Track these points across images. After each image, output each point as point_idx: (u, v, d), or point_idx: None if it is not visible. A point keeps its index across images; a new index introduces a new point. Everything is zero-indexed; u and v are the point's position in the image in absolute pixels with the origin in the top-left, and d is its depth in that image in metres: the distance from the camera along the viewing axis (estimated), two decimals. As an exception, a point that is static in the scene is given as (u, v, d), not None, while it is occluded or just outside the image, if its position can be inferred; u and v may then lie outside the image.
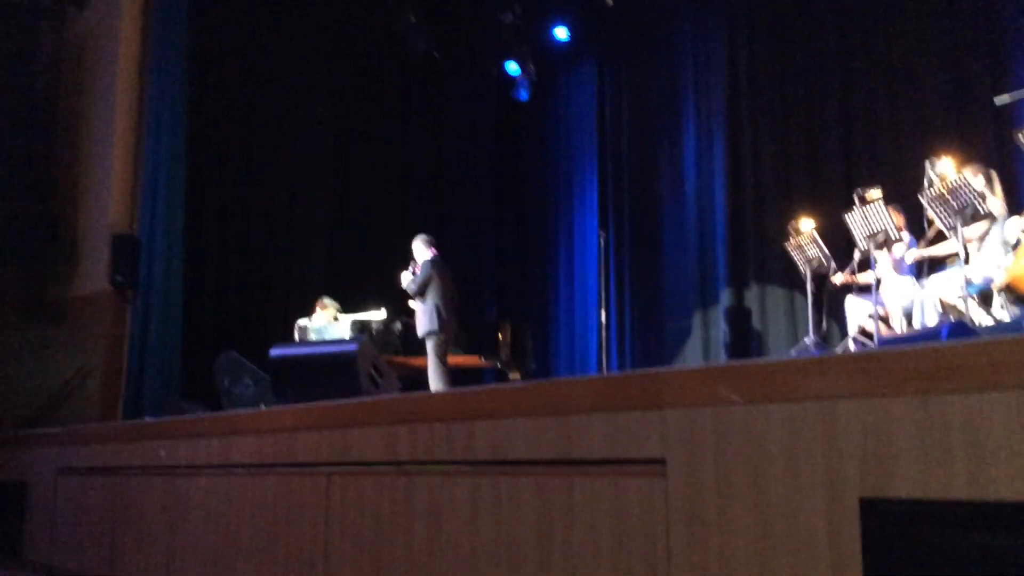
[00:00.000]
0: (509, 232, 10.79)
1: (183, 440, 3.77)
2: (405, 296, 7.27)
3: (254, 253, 9.19)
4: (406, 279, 6.93)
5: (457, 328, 7.16)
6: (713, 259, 8.39)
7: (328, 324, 7.71)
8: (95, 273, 7.66)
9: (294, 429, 3.12)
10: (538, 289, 10.32)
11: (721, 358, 8.07)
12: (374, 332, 7.78)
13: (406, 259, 7.24)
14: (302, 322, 7.84)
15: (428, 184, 10.78)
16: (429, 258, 7.00)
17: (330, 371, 5.07)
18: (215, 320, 8.79)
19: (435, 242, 7.18)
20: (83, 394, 7.53)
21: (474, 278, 10.49)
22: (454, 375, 7.08)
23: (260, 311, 9.14)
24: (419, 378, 7.22)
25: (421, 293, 6.83)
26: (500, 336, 7.96)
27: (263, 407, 6.62)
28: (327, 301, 7.95)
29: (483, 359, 7.96)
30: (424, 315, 6.86)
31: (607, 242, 8.86)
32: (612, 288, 9.16)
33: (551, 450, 2.10)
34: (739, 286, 8.12)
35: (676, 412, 1.85)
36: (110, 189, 7.58)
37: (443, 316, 6.86)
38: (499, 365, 8.06)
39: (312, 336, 7.46)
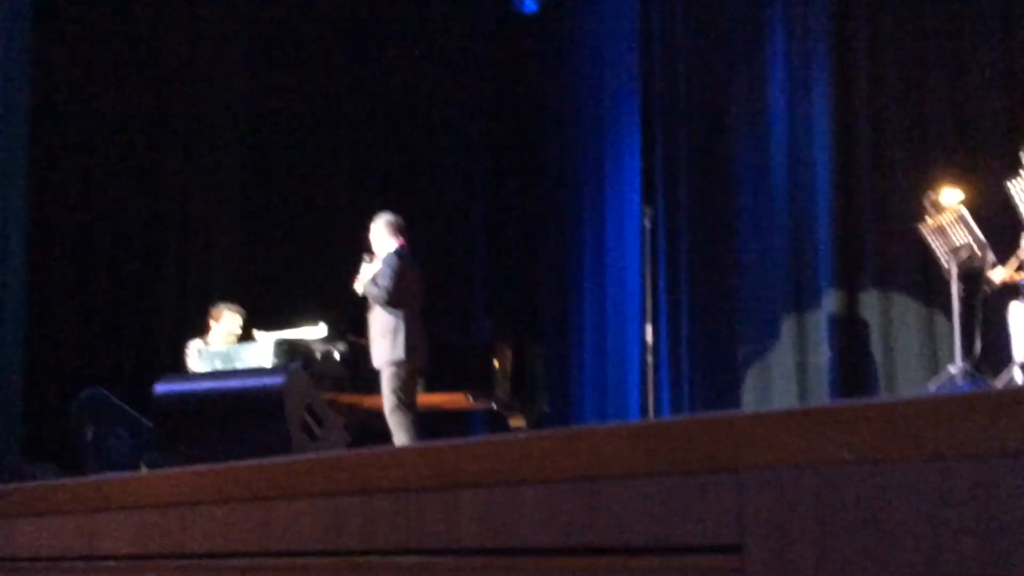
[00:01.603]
0: (510, 213, 10.83)
1: (25, 520, 3.77)
2: (359, 306, 7.28)
3: (129, 255, 9.26)
4: (364, 280, 6.95)
5: (427, 354, 7.19)
6: (812, 249, 8.41)
7: (236, 345, 7.72)
8: None
9: (190, 503, 3.11)
10: (553, 295, 10.35)
11: (824, 396, 8.06)
12: (311, 358, 7.78)
13: (357, 253, 7.26)
14: (197, 345, 7.85)
15: (389, 145, 10.84)
16: (395, 249, 7.03)
17: (244, 416, 5.07)
18: (73, 346, 8.83)
19: (405, 227, 7.21)
20: None
21: (458, 280, 10.53)
22: (428, 421, 7.09)
23: (139, 332, 9.19)
24: (377, 426, 7.22)
25: (393, 301, 6.85)
26: (496, 364, 7.96)
27: (144, 469, 6.63)
28: (225, 308, 7.97)
29: (471, 398, 7.96)
30: (386, 334, 6.89)
31: (655, 224, 8.88)
32: (662, 292, 9.17)
33: (571, 534, 2.09)
34: (851, 289, 8.14)
35: (758, 477, 1.84)
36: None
37: (413, 336, 6.88)
38: (495, 407, 8.06)
39: (216, 365, 7.45)
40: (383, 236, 7.13)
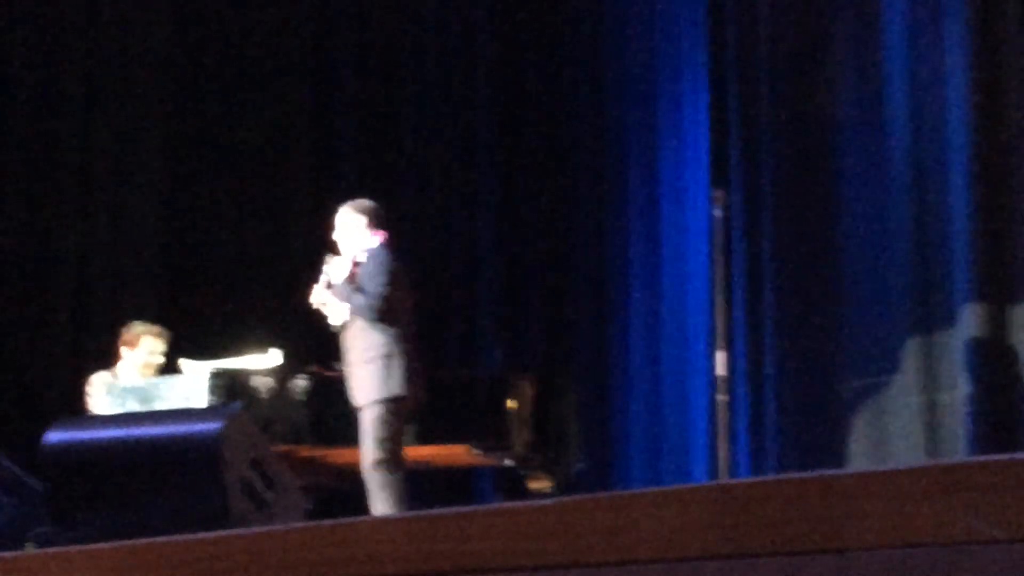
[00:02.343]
0: (529, 206, 10.82)
1: None
2: (323, 326, 7.29)
3: (12, 251, 9.29)
4: (331, 287, 6.97)
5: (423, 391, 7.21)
6: (944, 250, 8.39)
7: (157, 379, 7.74)
8: None
9: (91, 595, 3.11)
10: (588, 314, 10.34)
11: (960, 447, 8.04)
12: (258, 396, 7.80)
13: (319, 253, 7.27)
14: (104, 379, 7.89)
15: (366, 114, 10.86)
16: (379, 244, 7.06)
17: (167, 475, 5.07)
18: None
19: (384, 217, 7.23)
20: None
21: (459, 294, 10.54)
22: (418, 483, 7.09)
23: (22, 363, 9.19)
24: (348, 488, 7.23)
25: (386, 314, 6.88)
26: (510, 405, 7.96)
27: (30, 547, 6.66)
28: (139, 327, 8.00)
29: (476, 451, 7.97)
30: (374, 361, 6.92)
31: (728, 215, 8.87)
32: (738, 308, 9.16)
33: (614, 638, 2.08)
34: (997, 304, 8.12)
35: (871, 561, 1.83)
36: None
37: (410, 364, 6.91)
38: (509, 463, 8.07)
39: (130, 405, 7.48)
40: (357, 227, 7.13)
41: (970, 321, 8.15)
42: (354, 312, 6.97)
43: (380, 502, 6.81)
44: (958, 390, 8.18)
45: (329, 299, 7.07)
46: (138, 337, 7.98)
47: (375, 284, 6.93)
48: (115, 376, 7.90)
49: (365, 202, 7.25)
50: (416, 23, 11.03)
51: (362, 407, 6.95)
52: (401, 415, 6.94)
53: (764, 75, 9.42)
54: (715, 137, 9.55)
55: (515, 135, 10.96)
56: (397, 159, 10.77)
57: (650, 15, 10.26)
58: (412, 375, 6.96)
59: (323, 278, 7.10)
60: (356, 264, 7.14)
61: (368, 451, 6.89)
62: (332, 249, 7.19)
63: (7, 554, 3.91)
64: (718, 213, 8.13)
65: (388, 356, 6.92)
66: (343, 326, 7.07)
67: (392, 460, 6.86)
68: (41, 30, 9.73)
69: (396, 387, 6.89)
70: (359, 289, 6.96)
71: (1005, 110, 8.26)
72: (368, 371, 6.94)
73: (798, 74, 9.25)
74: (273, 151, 10.55)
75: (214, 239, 10.28)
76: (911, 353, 8.45)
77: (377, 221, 7.18)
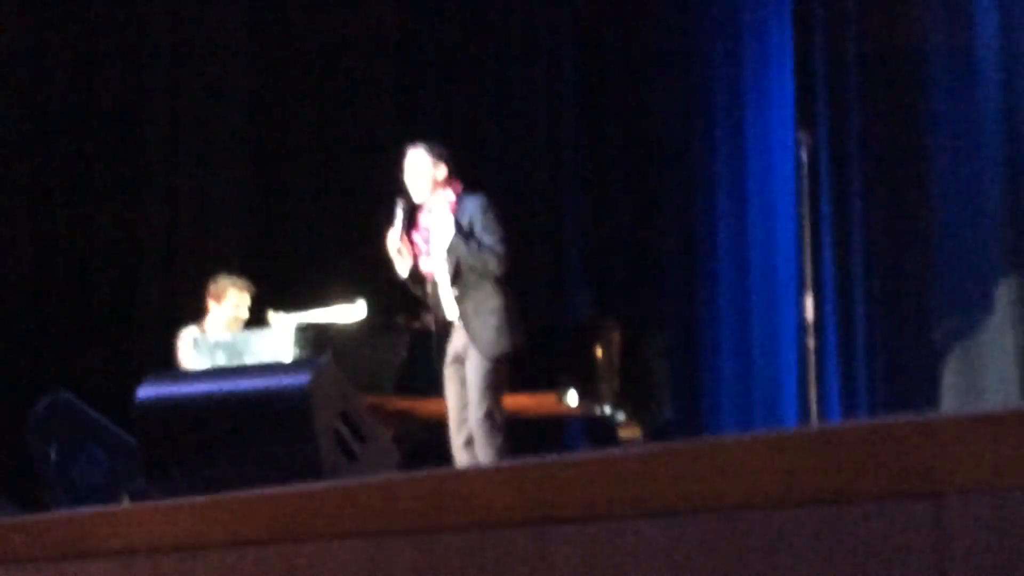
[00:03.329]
0: (613, 149, 10.80)
1: (-30, 571, 3.87)
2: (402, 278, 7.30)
3: (97, 217, 9.39)
4: (453, 242, 6.92)
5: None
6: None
7: (245, 333, 7.81)
8: None
9: (189, 546, 3.18)
10: (675, 259, 10.32)
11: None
12: (346, 348, 7.85)
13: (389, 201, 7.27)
14: (192, 333, 7.97)
15: (447, 62, 10.87)
16: (480, 196, 7.03)
17: (258, 428, 5.13)
18: (29, 339, 8.97)
19: (452, 162, 7.19)
20: None
21: (544, 241, 10.54)
22: (509, 432, 7.12)
23: (115, 318, 9.32)
24: (440, 441, 7.28)
25: (501, 270, 6.91)
26: (599, 354, 7.97)
27: (126, 501, 6.76)
28: (224, 280, 8.06)
29: (565, 400, 7.99)
30: (493, 314, 6.91)
31: (814, 157, 8.81)
32: (826, 250, 9.12)
33: (708, 584, 2.09)
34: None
35: (965, 504, 1.83)
36: None
37: (515, 318, 6.96)
38: (598, 412, 8.08)
39: (219, 359, 7.56)
40: (435, 176, 7.09)
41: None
42: (478, 265, 6.93)
43: (485, 451, 6.84)
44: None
45: (432, 250, 6.99)
46: (224, 290, 8.05)
47: (496, 237, 6.92)
48: (203, 330, 7.98)
49: (439, 146, 7.17)
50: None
51: (472, 357, 6.93)
52: (510, 367, 6.98)
53: (850, 14, 9.34)
54: (800, 78, 9.49)
55: (600, 85, 10.94)
56: (482, 110, 10.78)
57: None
58: (520, 326, 7.01)
59: (397, 223, 7.05)
60: (429, 213, 7.09)
61: (477, 401, 6.88)
62: (403, 194, 7.11)
63: (104, 508, 3.98)
64: (804, 156, 8.08)
65: (506, 309, 6.93)
66: (446, 278, 7.00)
67: (499, 409, 6.89)
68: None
69: (514, 341, 6.92)
70: (486, 241, 6.92)
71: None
72: (486, 324, 6.92)
73: (885, 13, 9.16)
74: (357, 112, 10.58)
75: (299, 189, 10.35)
76: (1005, 293, 8.39)
77: (452, 167, 7.12)
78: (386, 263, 7.54)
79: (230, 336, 7.79)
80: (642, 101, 10.70)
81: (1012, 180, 8.45)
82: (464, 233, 6.94)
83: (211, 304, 8.07)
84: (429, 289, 7.09)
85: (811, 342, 7.89)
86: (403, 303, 8.11)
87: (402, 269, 7.06)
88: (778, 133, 9.70)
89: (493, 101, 10.89)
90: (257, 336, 7.67)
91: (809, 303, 7.93)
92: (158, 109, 9.89)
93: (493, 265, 6.93)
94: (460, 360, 6.97)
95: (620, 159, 10.81)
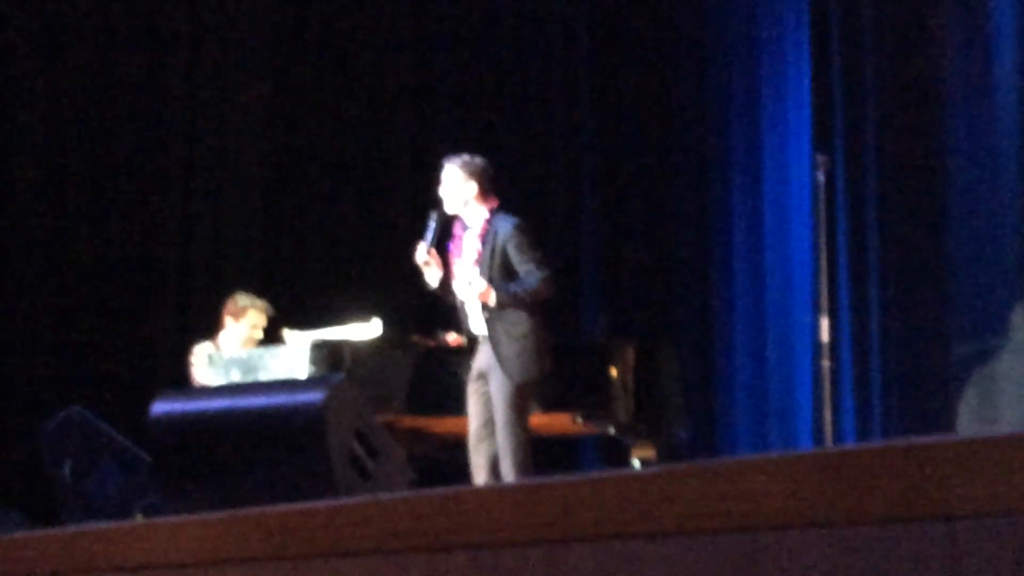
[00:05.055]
0: (630, 171, 10.81)
1: (-17, 585, 3.87)
2: (417, 296, 7.29)
3: (114, 233, 9.41)
4: (495, 282, 6.88)
5: None
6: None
7: (260, 349, 7.81)
8: None
9: (202, 563, 3.18)
10: (690, 280, 10.32)
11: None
12: (361, 366, 7.85)
13: (421, 217, 7.26)
14: (207, 349, 7.97)
15: (464, 79, 10.88)
16: (516, 221, 6.98)
17: (272, 445, 5.14)
18: (43, 353, 8.98)
19: (495, 176, 7.13)
20: None
21: (560, 262, 10.54)
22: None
23: (130, 334, 9.33)
24: (452, 460, 7.27)
25: (549, 294, 6.92)
26: (614, 374, 7.97)
27: (139, 517, 6.75)
28: (243, 300, 8.06)
29: (580, 420, 7.99)
30: (523, 338, 6.87)
31: (831, 179, 8.81)
32: (842, 272, 9.12)
33: (720, 605, 2.10)
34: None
35: (980, 526, 1.83)
36: None
37: (545, 343, 6.95)
38: (613, 432, 8.08)
39: (233, 375, 7.56)
40: (469, 190, 7.04)
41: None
42: (525, 303, 6.89)
43: (511, 472, 6.81)
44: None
45: (473, 274, 6.92)
46: (244, 310, 8.04)
47: (535, 263, 6.86)
48: (217, 346, 7.99)
49: (477, 161, 7.04)
50: (518, 7, 11.08)
51: (499, 379, 6.88)
52: (532, 388, 6.97)
53: (868, 37, 9.35)
54: (818, 101, 9.49)
55: (617, 105, 10.95)
56: (498, 127, 10.78)
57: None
58: (548, 351, 7.00)
59: (428, 236, 7.01)
60: (465, 229, 7.05)
61: (504, 424, 6.81)
62: (437, 206, 7.06)
63: (118, 524, 3.99)
64: (821, 178, 8.08)
65: (537, 333, 6.90)
66: (476, 299, 6.93)
67: (526, 431, 6.86)
68: (144, 14, 9.85)
69: (542, 366, 6.90)
70: (530, 270, 6.88)
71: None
72: (517, 348, 6.88)
73: (903, 36, 9.16)
74: (372, 126, 10.59)
75: (315, 209, 10.36)
76: (1021, 318, 8.37)
77: (488, 184, 7.02)
78: (402, 280, 7.55)
79: (245, 353, 7.79)
80: (659, 124, 10.71)
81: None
82: (496, 264, 6.87)
83: (228, 320, 8.06)
84: (458, 302, 7.05)
85: (826, 364, 7.88)
86: (418, 322, 8.11)
87: (432, 280, 6.99)
88: (795, 155, 9.69)
89: (510, 122, 10.90)
90: (272, 353, 7.67)
91: (824, 325, 7.92)
92: (175, 129, 9.90)
93: (543, 295, 6.91)
94: (484, 377, 6.92)
95: (637, 180, 10.82)
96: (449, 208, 7.02)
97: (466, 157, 7.06)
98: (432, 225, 7.00)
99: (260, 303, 8.10)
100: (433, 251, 6.98)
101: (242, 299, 8.10)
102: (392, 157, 10.50)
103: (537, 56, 11.09)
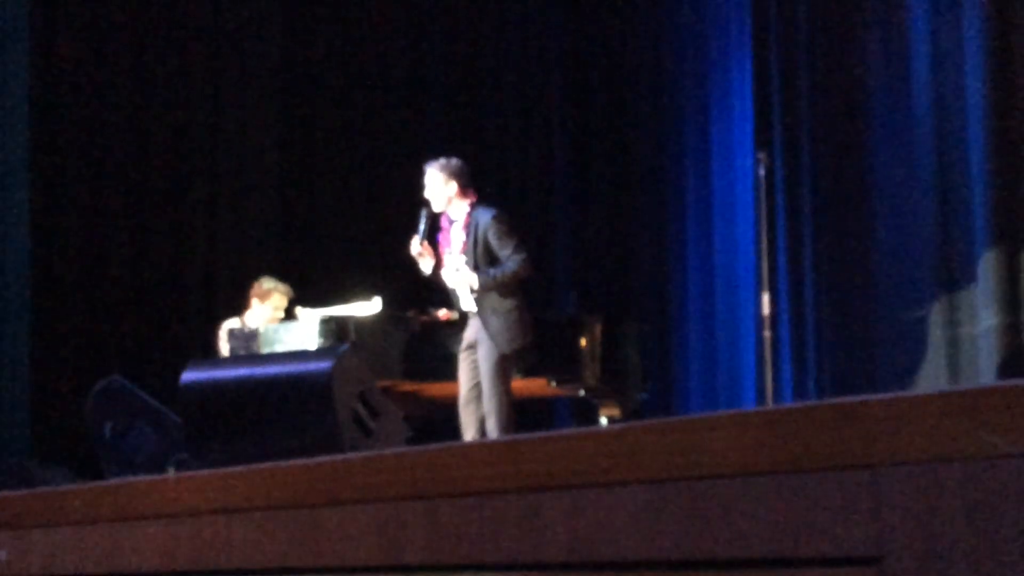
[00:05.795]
0: (595, 163, 10.80)
1: (36, 531, 3.86)
2: (419, 276, 7.27)
3: (148, 223, 9.40)
4: (481, 272, 6.83)
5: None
6: (965, 196, 8.29)
7: (276, 325, 7.81)
8: None
9: (226, 510, 3.17)
10: (649, 260, 10.32)
11: (980, 376, 7.97)
12: (363, 339, 7.84)
13: (412, 213, 7.25)
14: (232, 325, 7.95)
15: (451, 87, 10.88)
16: (494, 211, 6.94)
17: (285, 408, 5.13)
18: (87, 329, 8.99)
19: (470, 174, 7.11)
20: None
21: (534, 244, 10.54)
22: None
23: (163, 311, 9.33)
24: (444, 419, 7.26)
25: (526, 275, 6.89)
26: (583, 343, 7.97)
27: (171, 472, 6.74)
28: (270, 284, 8.04)
29: (554, 383, 7.99)
30: (508, 313, 6.85)
31: (771, 172, 8.82)
32: (781, 253, 9.13)
33: (675, 545, 2.09)
34: (1015, 248, 8.01)
35: (898, 474, 1.83)
36: None
37: (526, 317, 6.94)
38: (582, 394, 8.08)
39: (254, 347, 7.56)
40: (447, 188, 6.99)
41: (988, 266, 8.06)
42: (508, 286, 6.88)
43: (496, 430, 6.80)
44: (978, 325, 8.11)
45: (463, 265, 6.88)
46: (269, 293, 8.01)
47: (512, 247, 6.84)
48: (242, 322, 7.97)
49: (453, 163, 7.01)
50: (499, 23, 11.03)
51: (486, 349, 6.86)
52: (517, 357, 6.96)
53: (802, 52, 9.35)
54: (758, 105, 9.50)
55: (585, 111, 10.96)
56: (480, 133, 10.78)
57: (700, 3, 10.25)
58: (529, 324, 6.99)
59: (420, 231, 6.99)
60: (451, 222, 7.05)
61: (490, 388, 6.81)
62: (427, 204, 7.02)
63: (152, 477, 3.98)
64: (762, 173, 8.10)
65: (519, 309, 6.90)
66: (464, 282, 6.90)
67: (508, 394, 6.86)
68: (169, 29, 9.82)
69: (525, 337, 6.90)
70: (509, 254, 6.85)
71: (1017, 77, 8.13)
72: (503, 322, 6.87)
73: (832, 51, 9.17)
74: (372, 136, 10.59)
75: (324, 204, 10.36)
76: (936, 294, 8.38)
77: (465, 181, 7.01)
78: (400, 264, 7.53)
79: (263, 328, 7.80)
80: (621, 127, 10.71)
81: (941, 195, 8.44)
82: (480, 251, 6.85)
83: (254, 301, 8.03)
84: (449, 286, 7.05)
85: (767, 334, 7.89)
86: (413, 300, 8.09)
87: (426, 268, 7.00)
88: (739, 153, 9.71)
89: (491, 131, 10.91)
90: (286, 328, 7.68)
91: (766, 300, 7.93)
92: (201, 131, 9.88)
93: (521, 275, 6.88)
94: (472, 347, 6.93)
95: (602, 176, 10.83)
96: (435, 206, 7.02)
97: (443, 160, 7.04)
98: (423, 221, 6.99)
99: (283, 287, 8.08)
100: (425, 244, 6.97)
101: (267, 282, 8.08)
102: (389, 163, 10.49)
103: (516, 72, 11.11)
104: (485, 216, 6.91)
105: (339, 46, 10.55)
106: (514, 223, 7.01)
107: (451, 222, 7.04)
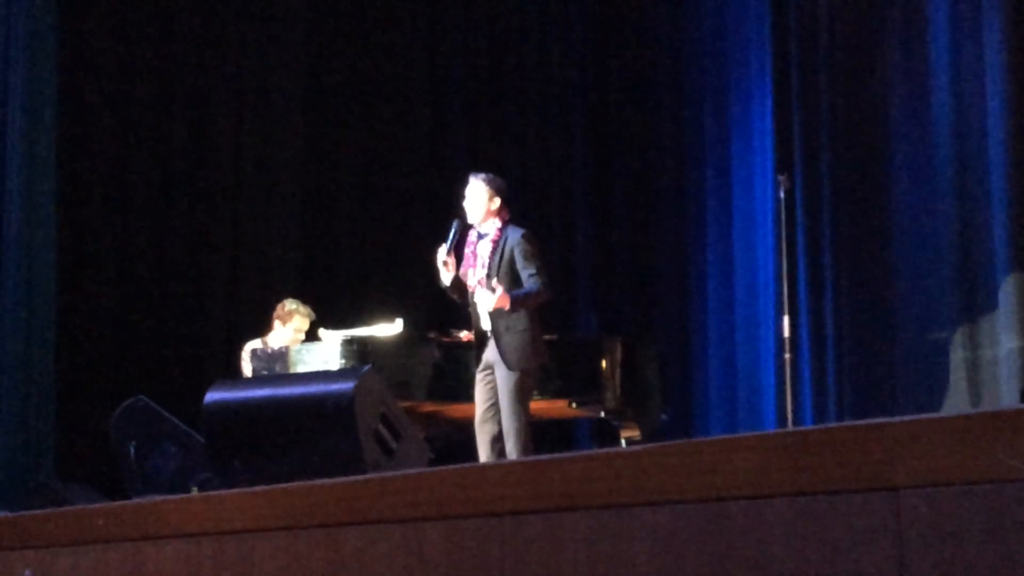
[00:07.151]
0: (617, 187, 10.81)
1: (61, 549, 3.86)
2: (441, 298, 7.26)
3: (173, 246, 9.43)
4: (479, 282, 6.81)
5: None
6: (986, 226, 8.27)
7: (299, 346, 7.80)
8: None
9: (250, 529, 3.17)
10: (670, 282, 10.30)
11: (1001, 399, 7.93)
12: (385, 360, 7.84)
13: (435, 235, 7.24)
14: (254, 346, 7.96)
15: (473, 109, 10.89)
16: (523, 232, 6.90)
17: (307, 428, 5.13)
18: (112, 350, 9.01)
19: (508, 193, 7.05)
20: None
21: (556, 266, 10.55)
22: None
23: (187, 332, 9.35)
24: (465, 440, 7.25)
25: (546, 299, 6.88)
26: (603, 365, 7.95)
27: (195, 491, 6.74)
28: (292, 306, 8.04)
29: (574, 405, 7.97)
30: (522, 333, 6.82)
31: (791, 196, 8.81)
32: (801, 276, 9.10)
33: (695, 567, 2.08)
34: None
35: (919, 497, 1.82)
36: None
37: (540, 338, 6.92)
38: (603, 416, 8.06)
39: (277, 367, 7.56)
40: (487, 202, 6.88)
41: (1009, 291, 8.04)
42: (529, 307, 6.88)
43: (515, 451, 6.78)
44: (999, 347, 8.08)
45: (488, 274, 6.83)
46: (291, 315, 8.00)
47: (535, 270, 6.79)
48: (265, 343, 7.98)
49: (498, 180, 6.96)
50: (520, 47, 11.06)
51: (502, 369, 6.83)
52: (536, 378, 6.95)
53: (822, 75, 9.35)
54: (779, 129, 9.49)
55: (608, 138, 10.97)
56: (505, 158, 10.76)
57: (721, 29, 10.25)
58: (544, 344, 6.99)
59: (450, 240, 6.91)
60: (480, 236, 6.97)
61: (508, 409, 6.77)
62: (460, 216, 6.94)
63: (176, 497, 3.99)
64: (782, 194, 8.09)
65: (533, 329, 6.86)
66: (492, 303, 6.85)
67: (527, 415, 6.83)
68: (197, 42, 9.85)
69: (538, 357, 6.89)
70: (532, 276, 6.83)
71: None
72: (516, 341, 6.84)
73: (852, 73, 9.16)
74: (394, 152, 10.60)
75: (346, 227, 10.37)
76: (957, 318, 8.35)
77: (504, 199, 6.94)
78: (421, 287, 7.52)
79: (286, 349, 7.80)
80: (643, 153, 10.72)
81: (961, 220, 8.42)
82: (503, 268, 6.81)
83: (276, 323, 8.03)
84: (470, 300, 7.00)
85: (788, 356, 7.87)
86: (434, 321, 8.09)
87: (445, 278, 6.94)
88: (759, 176, 9.69)
89: (516, 157, 10.90)
90: (309, 349, 7.67)
91: (786, 323, 7.92)
92: (225, 150, 9.90)
93: (542, 299, 6.83)
94: (490, 367, 6.90)
95: (624, 198, 10.83)
96: (471, 218, 6.97)
97: (490, 175, 6.98)
98: (453, 231, 6.94)
99: (304, 309, 8.06)
100: (452, 254, 6.93)
101: (290, 304, 8.07)
102: (411, 185, 10.50)
103: (538, 96, 11.12)
104: (515, 234, 6.89)
105: (362, 68, 10.56)
106: (542, 246, 6.99)
107: (480, 236, 6.97)
